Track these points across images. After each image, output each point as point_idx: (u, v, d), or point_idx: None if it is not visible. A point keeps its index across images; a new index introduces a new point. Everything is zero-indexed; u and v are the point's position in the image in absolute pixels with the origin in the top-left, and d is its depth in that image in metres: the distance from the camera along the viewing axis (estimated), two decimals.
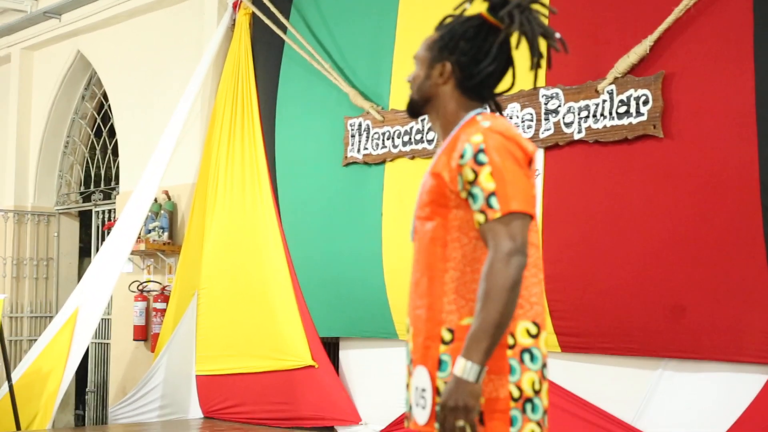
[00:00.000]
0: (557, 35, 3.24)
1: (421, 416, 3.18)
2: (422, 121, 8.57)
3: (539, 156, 7.69)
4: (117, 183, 12.61)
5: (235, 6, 10.68)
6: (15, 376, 10.55)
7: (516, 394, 3.04)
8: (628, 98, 7.21)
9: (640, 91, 7.13)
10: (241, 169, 10.22)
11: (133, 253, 10.86)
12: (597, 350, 7.45)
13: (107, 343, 12.29)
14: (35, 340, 11.81)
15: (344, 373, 9.51)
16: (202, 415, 10.30)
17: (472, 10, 3.44)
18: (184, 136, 10.59)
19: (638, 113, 7.14)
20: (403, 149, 8.73)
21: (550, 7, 3.43)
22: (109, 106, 12.82)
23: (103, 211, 12.81)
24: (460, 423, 2.94)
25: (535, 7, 3.27)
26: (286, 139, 9.95)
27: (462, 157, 3.12)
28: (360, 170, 9.13)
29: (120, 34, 12.36)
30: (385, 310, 8.76)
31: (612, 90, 7.30)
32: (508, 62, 3.32)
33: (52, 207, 13.74)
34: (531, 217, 3.04)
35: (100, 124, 13.43)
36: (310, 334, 9.47)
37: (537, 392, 3.08)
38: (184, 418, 10.31)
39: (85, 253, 13.66)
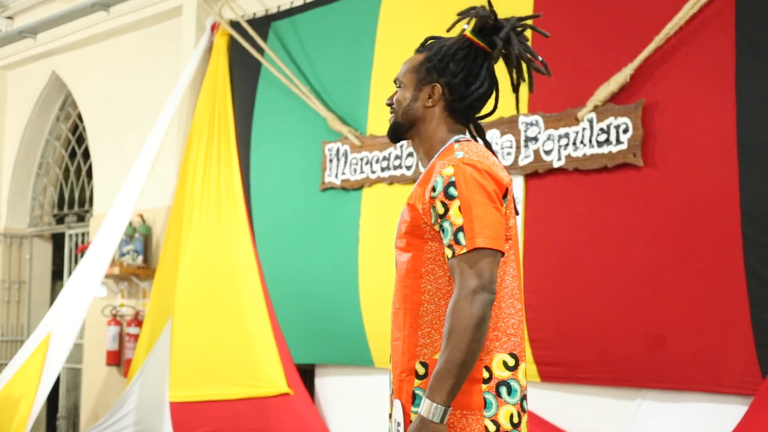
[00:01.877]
0: (540, 59, 3.35)
1: None
2: (400, 146, 8.52)
3: (518, 184, 7.65)
4: (91, 205, 12.51)
5: (213, 28, 10.60)
6: None
7: (492, 429, 3.00)
8: (608, 126, 7.17)
9: (621, 120, 7.10)
10: (216, 193, 10.14)
11: (106, 276, 10.75)
12: (577, 380, 7.40)
13: (79, 368, 12.16)
14: (6, 364, 11.68)
15: (320, 400, 9.42)
16: None
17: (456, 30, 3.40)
18: (160, 158, 10.50)
19: (618, 141, 7.10)
20: (382, 175, 8.67)
21: (542, 31, 3.47)
22: (83, 127, 12.72)
23: (77, 234, 12.69)
24: None
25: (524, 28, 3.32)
26: (262, 162, 9.87)
27: (434, 189, 3.13)
28: (337, 195, 9.06)
29: (96, 54, 12.27)
30: (361, 337, 8.69)
31: (592, 118, 7.26)
32: (493, 85, 3.36)
33: (25, 229, 13.60)
34: (500, 252, 3.01)
35: (75, 145, 13.32)
36: (285, 360, 9.38)
37: (516, 425, 3.02)
38: None
39: (57, 276, 13.52)
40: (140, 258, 10.86)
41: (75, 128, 13.37)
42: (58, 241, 13.59)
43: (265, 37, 10.01)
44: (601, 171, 7.22)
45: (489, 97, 3.36)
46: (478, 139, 3.44)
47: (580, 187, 7.36)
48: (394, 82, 3.43)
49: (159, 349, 10.33)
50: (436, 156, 3.30)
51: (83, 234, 12.49)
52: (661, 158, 6.97)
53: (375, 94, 8.87)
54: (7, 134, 13.66)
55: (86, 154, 12.85)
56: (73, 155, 13.39)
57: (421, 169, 3.35)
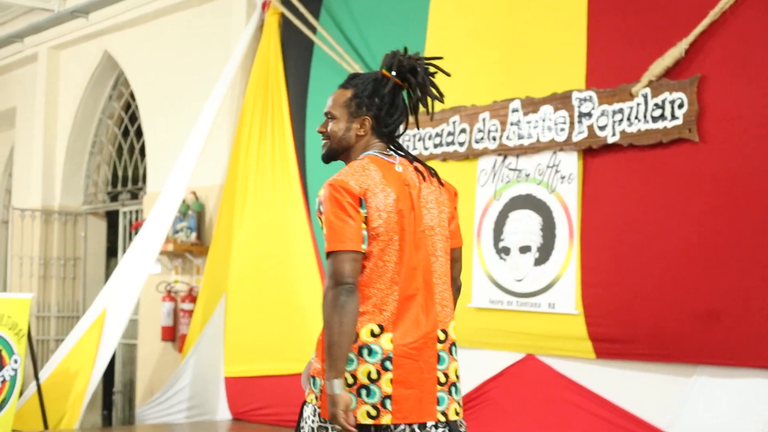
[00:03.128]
0: (439, 94, 4.06)
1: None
2: (453, 122, 8.54)
3: (572, 160, 7.65)
4: (144, 183, 12.61)
5: (264, 6, 10.64)
6: (43, 375, 10.56)
7: (350, 380, 3.62)
8: (663, 102, 7.14)
9: (676, 95, 7.06)
10: (271, 171, 10.18)
11: (160, 253, 10.85)
12: (631, 356, 7.38)
13: (134, 344, 12.29)
14: (62, 339, 11.83)
15: None
16: (230, 417, 10.28)
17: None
18: (212, 136, 10.57)
19: (673, 117, 7.07)
20: (435, 151, 8.69)
21: (444, 70, 4.17)
22: (136, 105, 12.82)
23: (131, 212, 12.81)
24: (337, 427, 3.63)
25: (431, 68, 4.07)
26: (317, 140, 9.90)
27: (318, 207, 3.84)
28: None
29: (147, 33, 12.35)
30: None
31: (647, 93, 7.23)
32: (406, 112, 4.03)
33: (80, 207, 13.75)
34: (351, 251, 3.62)
35: (128, 123, 13.43)
36: None
37: (374, 381, 3.62)
38: (212, 420, 10.29)
39: (112, 254, 13.67)
40: (194, 235, 10.96)
41: (127, 107, 13.48)
42: (112, 218, 13.72)
43: (316, 15, 10.03)
44: (656, 147, 7.20)
45: (403, 121, 4.02)
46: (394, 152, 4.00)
47: (634, 162, 7.34)
48: (325, 114, 3.98)
49: (213, 324, 10.43)
50: None
51: (137, 211, 12.61)
52: (716, 133, 6.93)
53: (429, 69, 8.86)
54: (61, 113, 13.78)
55: (139, 132, 12.95)
56: (126, 133, 13.51)
57: None
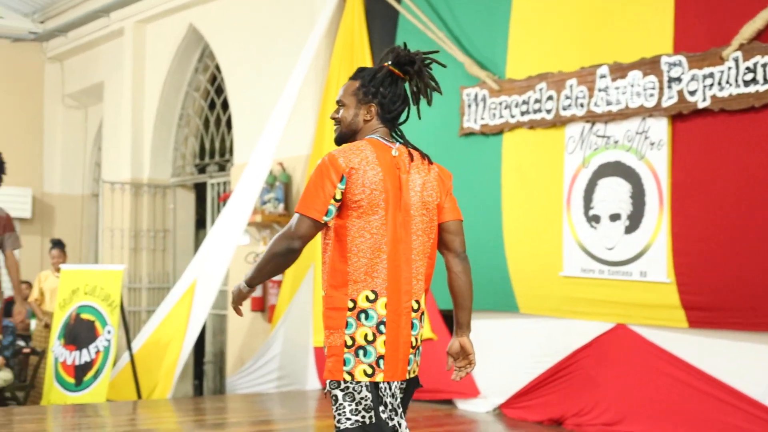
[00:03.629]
0: (436, 85, 4.42)
1: None
2: (540, 90, 8.47)
3: (662, 126, 7.55)
4: (231, 155, 12.70)
5: None
6: (135, 346, 10.73)
7: (349, 342, 4.01)
8: (755, 65, 7.01)
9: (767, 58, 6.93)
10: None
11: (249, 224, 10.93)
12: (725, 325, 7.29)
13: (224, 314, 12.41)
14: (153, 311, 11.98)
15: None
16: (319, 387, 10.35)
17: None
18: (298, 107, 10.59)
19: (765, 81, 6.95)
20: (521, 119, 8.63)
21: (440, 62, 4.48)
22: (222, 78, 12.89)
23: (218, 183, 12.91)
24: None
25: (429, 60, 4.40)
26: None
27: None
28: (477, 141, 9.04)
29: (232, 5, 12.39)
30: (505, 282, 8.70)
31: (738, 57, 7.10)
32: (408, 101, 4.37)
33: (168, 179, 13.89)
34: (308, 217, 4.04)
35: (214, 96, 13.52)
36: (430, 306, 9.43)
37: (370, 342, 4.01)
38: (302, 390, 10.38)
39: (200, 225, 13.80)
40: (281, 206, 11.01)
41: (213, 79, 13.56)
42: (200, 190, 13.85)
43: None
44: (748, 111, 7.07)
45: (405, 109, 4.37)
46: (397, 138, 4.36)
47: (726, 127, 7.22)
48: (337, 102, 4.36)
49: (302, 294, 10.49)
50: None
51: (224, 183, 12.70)
52: None
53: (514, 36, 8.80)
54: (148, 87, 13.91)
55: (225, 105, 13.04)
56: (212, 106, 13.60)
57: None
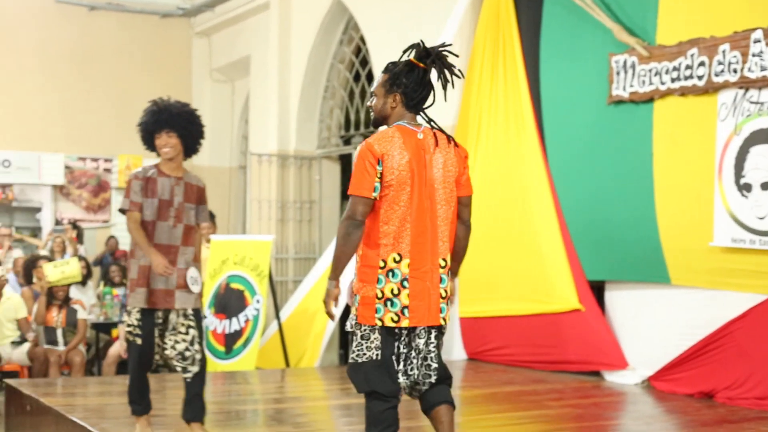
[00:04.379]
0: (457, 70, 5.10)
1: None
2: (691, 56, 8.28)
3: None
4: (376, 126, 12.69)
5: None
6: (283, 315, 10.86)
7: (379, 295, 4.85)
8: None
9: None
10: (504, 110, 10.09)
11: None
12: None
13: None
14: (300, 281, 12.11)
15: (611, 317, 9.34)
16: (465, 357, 10.34)
17: None
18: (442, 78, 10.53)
19: None
20: (672, 86, 8.44)
21: (453, 53, 5.14)
22: (366, 50, 12.91)
23: None
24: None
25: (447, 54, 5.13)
26: (550, 78, 9.77)
27: None
28: (626, 109, 8.89)
29: None
30: (657, 254, 8.54)
31: None
32: (430, 89, 5.08)
33: (314, 151, 14.00)
34: (362, 196, 4.81)
35: (359, 68, 13.56)
36: (577, 277, 9.33)
37: (395, 295, 4.86)
38: (448, 359, 10.33)
39: (345, 196, 13.78)
40: None
41: (358, 51, 13.60)
42: (345, 161, 13.92)
43: None
44: None
45: (428, 96, 5.09)
46: (423, 121, 5.13)
47: None
48: (371, 93, 5.17)
49: None
50: None
51: None
52: None
53: (665, 1, 8.60)
54: (293, 60, 14.02)
55: (370, 76, 13.06)
56: (357, 78, 13.64)
57: None
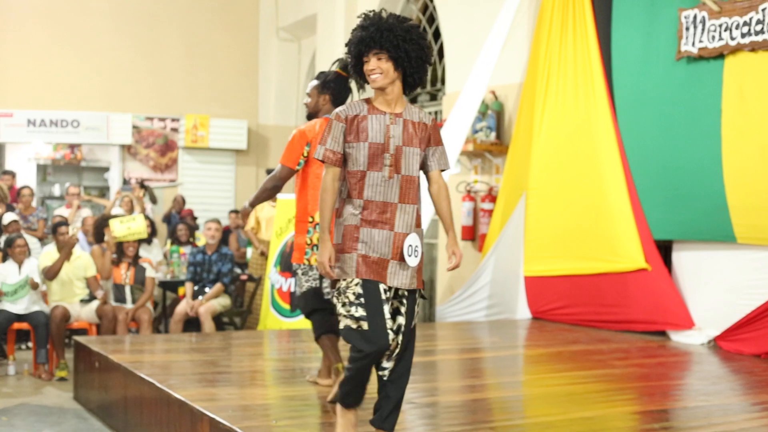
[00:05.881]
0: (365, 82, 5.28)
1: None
2: (762, 10, 8.12)
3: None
4: (443, 84, 12.66)
5: None
6: None
7: (308, 242, 6.23)
8: None
9: None
10: (573, 68, 9.97)
11: (460, 153, 10.88)
12: None
13: (434, 243, 12.45)
14: None
15: (677, 276, 9.24)
16: (530, 316, 10.29)
17: None
18: (511, 36, 10.45)
19: None
20: (742, 41, 8.29)
21: (348, 73, 6.00)
22: (434, 7, 12.83)
23: (430, 113, 12.83)
24: None
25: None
26: (620, 34, 9.63)
27: None
28: (695, 65, 8.75)
29: None
30: (723, 212, 8.43)
31: None
32: (350, 91, 6.48)
33: None
34: (287, 166, 6.31)
35: (426, 25, 13.47)
36: (644, 236, 9.24)
37: (316, 245, 6.11)
38: (512, 318, 10.33)
39: None
40: (493, 134, 10.92)
41: (425, 8, 13.52)
42: None
43: None
44: None
45: (348, 97, 6.44)
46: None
47: None
48: (307, 94, 6.58)
49: (513, 224, 10.42)
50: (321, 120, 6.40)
51: (437, 112, 12.69)
52: None
53: None
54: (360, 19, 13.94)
55: (437, 34, 12.98)
56: None
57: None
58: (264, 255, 11.34)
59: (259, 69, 16.71)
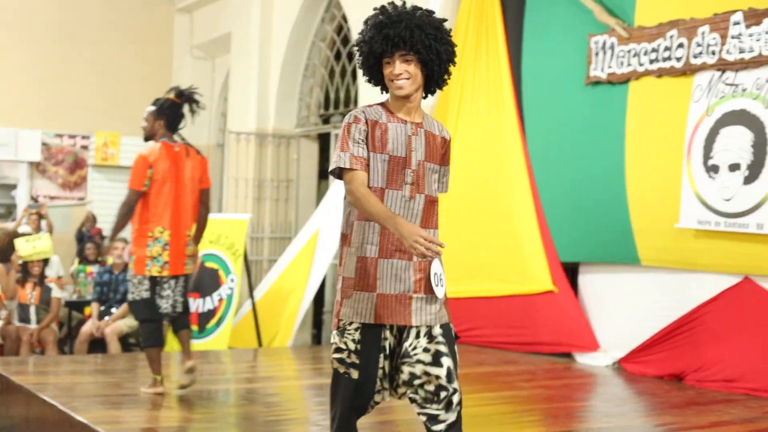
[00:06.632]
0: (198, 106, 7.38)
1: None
2: (670, 37, 8.24)
3: (749, 77, 7.57)
4: (356, 105, 12.65)
5: None
6: (257, 295, 10.80)
7: (148, 255, 7.09)
8: None
9: None
10: (485, 89, 10.02)
11: None
12: None
13: (335, 263, 12.40)
14: (275, 260, 12.05)
15: (583, 299, 9.32)
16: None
17: None
18: None
19: None
20: (650, 67, 8.40)
21: (197, 101, 7.42)
22: (348, 28, 12.84)
23: None
24: None
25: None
26: (531, 58, 9.71)
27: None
28: (603, 89, 8.85)
29: None
30: (628, 235, 8.53)
31: None
32: (183, 116, 7.33)
33: (292, 129, 13.93)
34: (135, 189, 7.21)
35: (340, 46, 13.48)
36: (551, 258, 9.31)
37: (156, 258, 7.10)
38: None
39: (323, 176, 13.81)
40: None
41: (339, 29, 13.52)
42: (324, 140, 13.85)
43: None
44: None
45: (181, 122, 7.33)
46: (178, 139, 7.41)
47: None
48: (144, 119, 7.35)
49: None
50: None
51: None
52: None
53: None
54: (275, 38, 13.94)
55: (351, 55, 12.99)
56: (338, 56, 13.56)
57: None
58: None
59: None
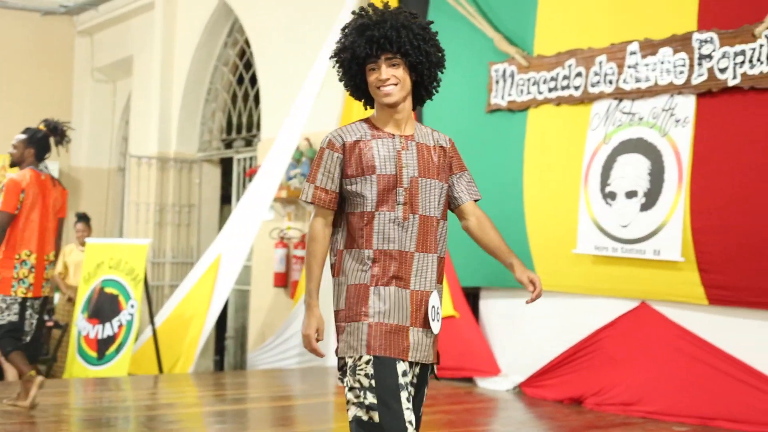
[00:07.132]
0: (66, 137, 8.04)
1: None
2: (569, 66, 8.37)
3: (689, 104, 7.47)
4: (258, 130, 12.65)
5: None
6: (158, 320, 10.71)
7: (15, 276, 7.55)
8: None
9: None
10: None
11: (274, 200, 10.88)
12: (746, 304, 7.20)
13: (247, 290, 12.39)
14: (177, 285, 11.97)
15: (485, 323, 9.39)
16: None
17: None
18: (326, 82, 10.52)
19: None
20: (549, 96, 8.53)
21: (71, 127, 8.23)
22: (251, 53, 12.85)
23: (245, 158, 12.87)
24: None
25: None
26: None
27: None
28: (503, 117, 8.96)
29: None
30: (526, 259, 8.61)
31: None
32: (50, 147, 7.90)
33: (195, 154, 13.87)
34: (7, 212, 7.60)
35: (243, 71, 13.48)
36: (452, 283, 9.37)
37: (22, 280, 7.56)
38: (324, 366, 10.32)
39: (226, 200, 13.78)
40: None
41: (242, 54, 13.52)
42: (226, 165, 13.82)
43: None
44: None
45: (48, 152, 7.89)
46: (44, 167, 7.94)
47: (755, 106, 7.11)
48: (13, 146, 7.79)
49: (326, 271, 10.40)
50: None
51: (251, 158, 12.67)
52: None
53: (543, 12, 8.70)
54: (177, 62, 13.89)
55: (253, 80, 12.99)
56: (240, 81, 13.56)
57: None
58: (71, 301, 11.08)
59: (73, 109, 16.37)
